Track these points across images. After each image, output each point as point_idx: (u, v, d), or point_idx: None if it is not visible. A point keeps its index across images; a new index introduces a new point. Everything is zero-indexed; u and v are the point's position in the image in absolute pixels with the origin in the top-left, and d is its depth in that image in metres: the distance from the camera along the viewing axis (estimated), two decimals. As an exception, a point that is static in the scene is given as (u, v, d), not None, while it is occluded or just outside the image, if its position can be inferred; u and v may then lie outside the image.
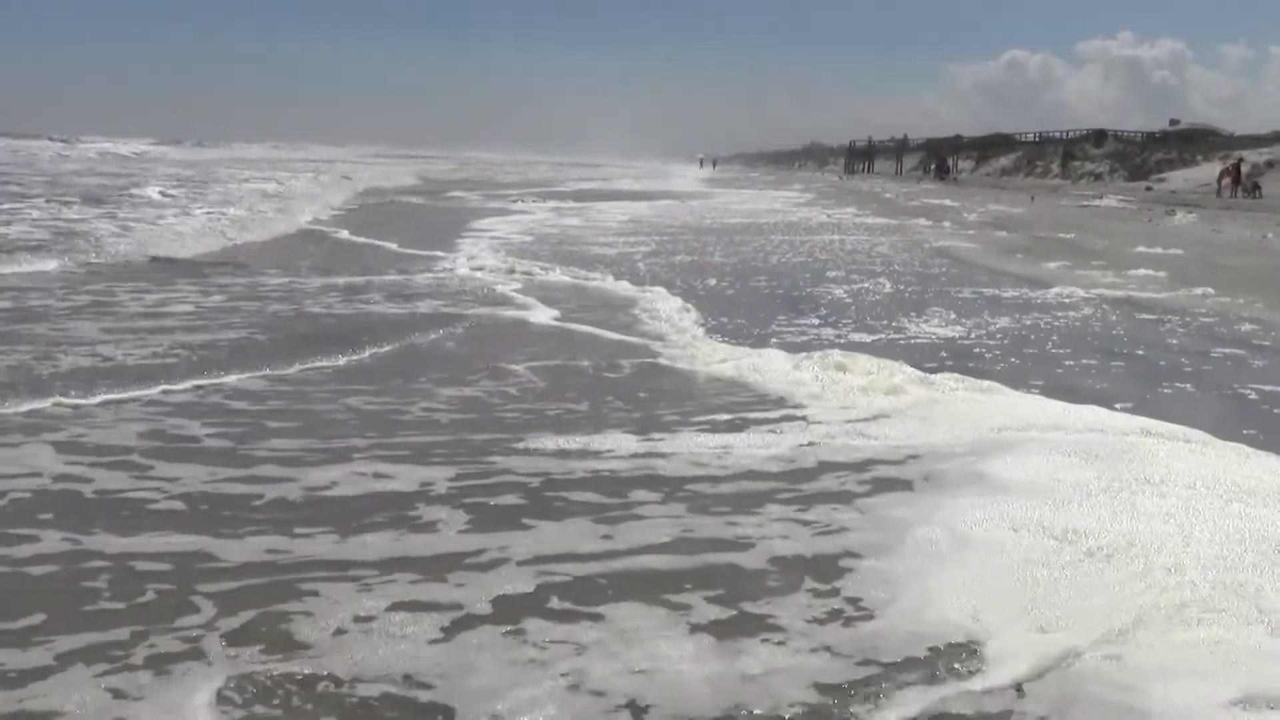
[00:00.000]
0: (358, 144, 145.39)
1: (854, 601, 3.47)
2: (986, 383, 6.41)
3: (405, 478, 4.53)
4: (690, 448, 5.06)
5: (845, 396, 6.10)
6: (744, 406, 5.91)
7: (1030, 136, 72.35)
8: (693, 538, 3.99)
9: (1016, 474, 4.64)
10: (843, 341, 7.94)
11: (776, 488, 4.53)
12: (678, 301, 9.72)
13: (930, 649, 3.10)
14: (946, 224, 22.72)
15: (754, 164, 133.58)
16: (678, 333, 8.20)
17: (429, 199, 30.03)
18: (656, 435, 5.25)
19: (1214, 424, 5.50)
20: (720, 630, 3.22)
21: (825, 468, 4.80)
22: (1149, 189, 43.36)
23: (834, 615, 3.37)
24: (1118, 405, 5.93)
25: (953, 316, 9.38)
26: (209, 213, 18.33)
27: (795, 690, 2.87)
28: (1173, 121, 67.53)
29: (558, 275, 11.74)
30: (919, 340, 8.18)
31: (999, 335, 8.48)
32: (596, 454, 4.95)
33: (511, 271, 11.85)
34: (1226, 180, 38.61)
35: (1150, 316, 9.69)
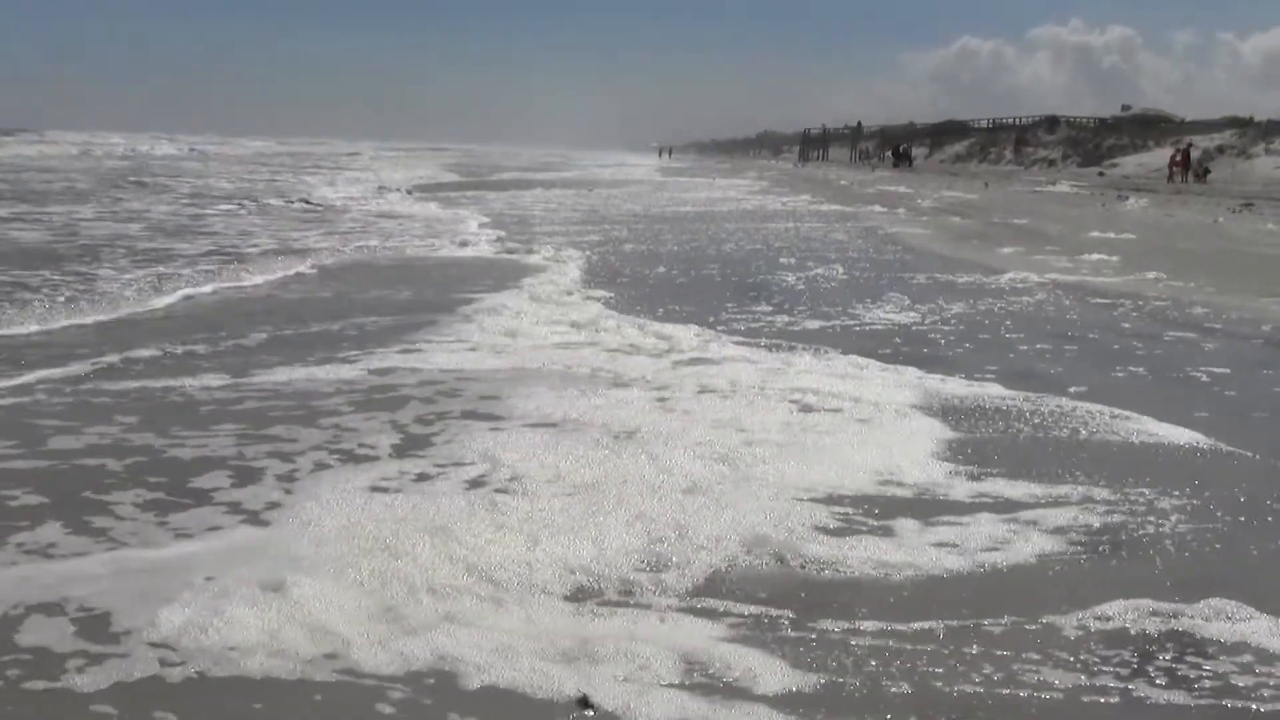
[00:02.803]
0: (352, 138, 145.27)
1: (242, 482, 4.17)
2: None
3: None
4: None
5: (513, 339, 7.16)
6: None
7: (984, 123, 72.55)
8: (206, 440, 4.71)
9: (523, 403, 5.43)
10: (796, 329, 7.85)
11: (309, 406, 5.35)
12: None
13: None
14: (901, 211, 22.73)
15: (708, 152, 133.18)
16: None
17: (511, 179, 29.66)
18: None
19: (1165, 405, 5.47)
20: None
21: (377, 389, 5.72)
22: (1101, 174, 43.66)
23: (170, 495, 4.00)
24: (1071, 389, 5.89)
25: (907, 302, 9.30)
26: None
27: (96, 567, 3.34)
28: (1125, 107, 67.90)
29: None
30: (874, 327, 8.10)
31: (953, 321, 8.41)
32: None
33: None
34: (1176, 166, 38.96)
35: (1103, 301, 9.67)
